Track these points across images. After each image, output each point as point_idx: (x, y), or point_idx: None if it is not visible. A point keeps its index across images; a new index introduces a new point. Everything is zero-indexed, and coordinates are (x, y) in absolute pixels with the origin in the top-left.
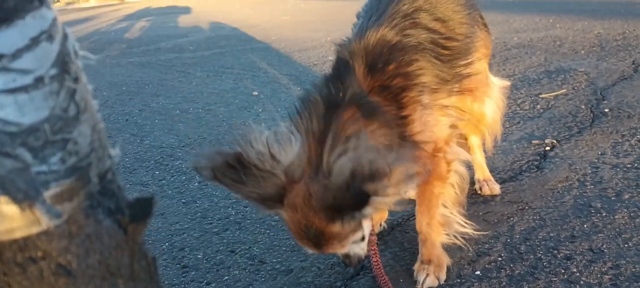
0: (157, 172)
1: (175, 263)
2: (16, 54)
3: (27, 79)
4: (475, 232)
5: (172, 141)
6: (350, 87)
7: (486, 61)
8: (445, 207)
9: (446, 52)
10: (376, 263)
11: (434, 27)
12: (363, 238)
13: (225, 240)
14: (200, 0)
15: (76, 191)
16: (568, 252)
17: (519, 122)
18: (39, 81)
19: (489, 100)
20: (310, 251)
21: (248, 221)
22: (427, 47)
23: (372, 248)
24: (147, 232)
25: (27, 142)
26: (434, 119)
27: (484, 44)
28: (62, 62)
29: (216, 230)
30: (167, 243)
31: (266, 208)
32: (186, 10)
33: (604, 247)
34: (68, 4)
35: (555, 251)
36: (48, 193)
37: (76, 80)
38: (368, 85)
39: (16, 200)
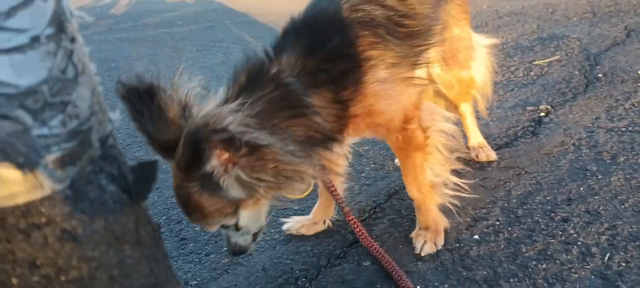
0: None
1: (173, 236)
2: (10, 12)
3: (23, 38)
4: (470, 194)
5: None
6: (277, 66)
7: (466, 24)
8: (433, 171)
9: (403, 29)
10: (361, 234)
11: (390, 4)
12: (239, 229)
13: None
14: None
15: (78, 155)
16: (565, 214)
17: (513, 89)
18: (35, 41)
19: (475, 63)
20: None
21: None
22: (381, 23)
23: (350, 219)
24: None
25: (26, 104)
26: (397, 91)
27: (461, 8)
28: (58, 21)
29: None
30: (164, 217)
31: (157, 153)
32: None
33: (601, 208)
34: None
35: (553, 214)
36: (50, 158)
37: (73, 40)
38: (302, 66)
39: (17, 163)
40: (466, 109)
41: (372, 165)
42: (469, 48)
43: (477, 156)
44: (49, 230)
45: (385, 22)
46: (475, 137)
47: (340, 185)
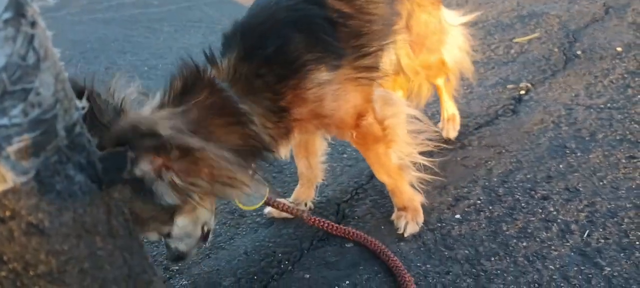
0: None
1: None
2: None
3: None
4: (451, 175)
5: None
6: (214, 71)
7: (434, 8)
8: (398, 154)
9: (346, 29)
10: (333, 228)
11: (331, 4)
12: (169, 235)
13: None
14: None
15: (43, 145)
16: (545, 192)
17: (493, 68)
18: None
19: (446, 45)
20: None
21: None
22: (319, 25)
23: (312, 221)
24: None
25: None
26: (344, 91)
27: None
28: (17, 5)
29: None
30: None
31: None
32: None
33: (580, 185)
34: None
35: (533, 192)
36: (11, 149)
37: (33, 24)
38: (236, 72)
39: None
40: (439, 82)
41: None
42: (439, 32)
43: (442, 130)
44: (15, 224)
45: (323, 23)
46: (447, 109)
47: (320, 166)
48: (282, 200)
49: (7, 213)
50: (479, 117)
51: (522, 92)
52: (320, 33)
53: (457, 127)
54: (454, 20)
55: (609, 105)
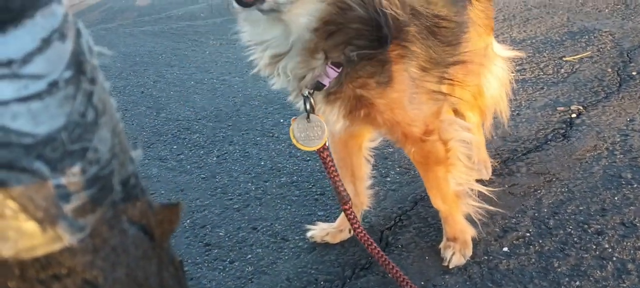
0: (174, 147)
1: (198, 242)
2: (26, 58)
3: (40, 85)
4: (498, 203)
5: (188, 113)
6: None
7: (485, 30)
8: (456, 180)
9: (441, 32)
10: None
11: (424, 12)
12: None
13: (246, 217)
14: None
15: (99, 202)
16: (599, 226)
17: (542, 88)
18: (53, 86)
19: (488, 74)
20: None
21: (268, 196)
22: (427, 21)
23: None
24: None
25: (44, 154)
26: (419, 99)
27: (483, 14)
28: (77, 62)
29: (237, 206)
30: (188, 221)
31: None
32: None
33: (637, 220)
34: None
35: (586, 225)
36: (69, 207)
37: (93, 81)
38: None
39: (36, 218)
40: (473, 119)
41: (398, 169)
42: (483, 56)
43: (478, 174)
44: (70, 281)
45: (428, 21)
46: (477, 152)
47: (367, 192)
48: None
49: (63, 271)
50: (528, 141)
51: (574, 115)
52: (425, 29)
53: (490, 172)
54: (501, 52)
55: None
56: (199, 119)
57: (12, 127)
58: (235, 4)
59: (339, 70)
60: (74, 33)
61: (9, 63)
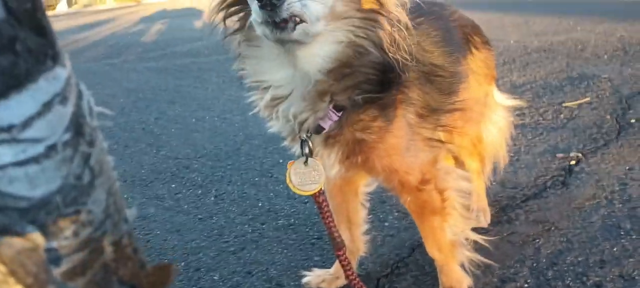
0: (173, 185)
1: (191, 285)
2: (27, 123)
3: (39, 148)
4: (496, 251)
5: (189, 152)
6: None
7: (486, 79)
8: (452, 229)
9: (438, 79)
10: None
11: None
12: None
13: (242, 260)
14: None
15: (90, 264)
16: (598, 278)
17: (542, 133)
18: (51, 149)
19: (488, 122)
20: None
21: (265, 240)
22: (425, 68)
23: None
24: (163, 251)
25: (38, 218)
26: (417, 147)
27: (484, 63)
28: (76, 125)
29: (233, 249)
30: (183, 263)
31: None
32: (202, 12)
33: (636, 273)
34: (85, 6)
35: (585, 277)
36: (59, 271)
37: (91, 143)
38: None
39: (25, 284)
40: (473, 166)
41: (396, 214)
42: (483, 104)
43: (476, 221)
44: None
45: (425, 68)
46: (476, 199)
47: (362, 238)
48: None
49: None
50: (527, 188)
51: (573, 162)
52: (422, 81)
53: (489, 220)
54: (502, 101)
55: None
56: (199, 158)
57: (8, 191)
58: (267, 31)
59: (340, 114)
60: (76, 95)
61: (9, 128)
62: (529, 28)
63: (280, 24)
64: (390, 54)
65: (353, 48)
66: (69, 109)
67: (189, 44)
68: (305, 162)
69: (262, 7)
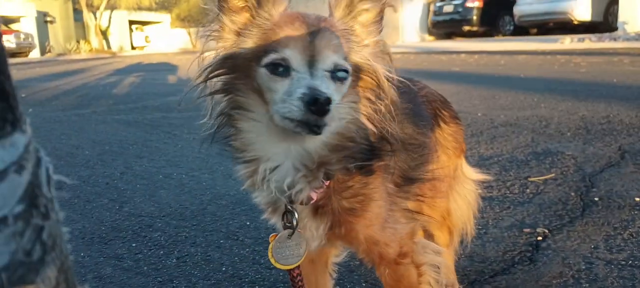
0: (134, 244)
1: None
2: None
3: None
4: None
5: (153, 210)
6: None
7: (454, 153)
8: None
9: (411, 148)
10: None
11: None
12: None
13: None
14: (192, 59)
15: None
16: None
17: (509, 207)
18: (1, 223)
19: (456, 195)
20: None
21: None
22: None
23: None
24: None
25: None
26: (394, 217)
27: (453, 138)
28: (31, 196)
29: None
30: None
31: None
32: (177, 68)
33: None
34: (59, 55)
35: None
36: None
37: (45, 215)
38: None
39: None
40: (442, 240)
41: (364, 284)
42: (451, 177)
43: None
44: None
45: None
46: (446, 274)
47: None
48: None
49: None
50: (495, 263)
51: (539, 238)
52: (403, 152)
53: None
54: (470, 174)
55: (630, 262)
56: (163, 216)
57: None
58: (298, 129)
59: (327, 183)
60: (33, 163)
61: None
62: (496, 102)
63: (318, 129)
64: (385, 126)
65: (355, 124)
66: (24, 178)
67: (161, 99)
68: (290, 235)
69: (314, 112)
